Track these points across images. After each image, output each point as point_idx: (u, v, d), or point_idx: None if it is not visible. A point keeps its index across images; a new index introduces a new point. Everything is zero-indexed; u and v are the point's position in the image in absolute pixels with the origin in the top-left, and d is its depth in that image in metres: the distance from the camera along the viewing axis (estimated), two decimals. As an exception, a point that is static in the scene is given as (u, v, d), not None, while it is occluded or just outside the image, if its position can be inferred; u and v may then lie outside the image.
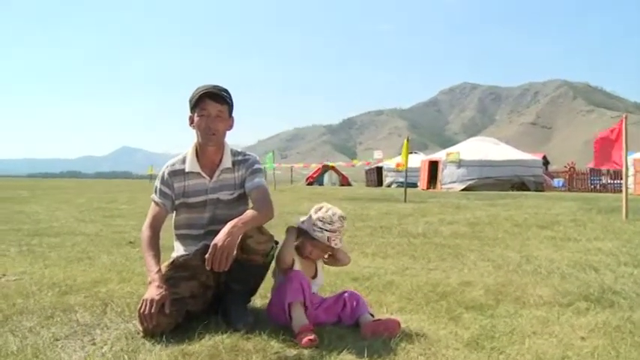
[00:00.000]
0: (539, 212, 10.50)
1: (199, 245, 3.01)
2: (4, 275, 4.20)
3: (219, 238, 2.59)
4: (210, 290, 2.97)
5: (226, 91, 2.99)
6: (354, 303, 2.84)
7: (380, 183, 42.66)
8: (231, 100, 3.01)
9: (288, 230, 2.99)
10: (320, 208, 2.89)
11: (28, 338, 2.65)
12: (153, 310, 2.59)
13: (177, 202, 3.07)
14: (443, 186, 28.81)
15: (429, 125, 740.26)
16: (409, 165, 36.49)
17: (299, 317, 2.64)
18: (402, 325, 2.72)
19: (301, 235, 2.93)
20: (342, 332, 2.69)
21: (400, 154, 52.13)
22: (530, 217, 9.45)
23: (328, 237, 2.84)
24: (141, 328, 2.67)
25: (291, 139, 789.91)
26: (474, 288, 3.73)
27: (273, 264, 2.97)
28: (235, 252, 2.70)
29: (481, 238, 6.60)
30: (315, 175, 47.75)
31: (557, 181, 35.90)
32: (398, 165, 32.74)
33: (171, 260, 3.05)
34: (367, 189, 31.31)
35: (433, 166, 30.79)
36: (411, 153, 50.34)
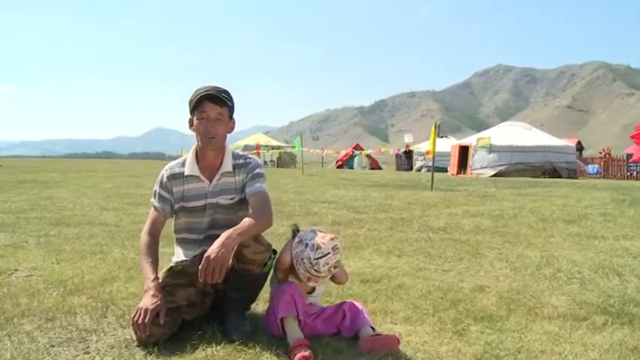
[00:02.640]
0: (568, 204, 10.20)
1: (198, 251, 2.94)
2: (15, 271, 4.22)
3: (212, 250, 2.51)
4: (208, 297, 2.91)
5: (227, 92, 2.89)
6: (354, 314, 2.73)
7: (410, 167, 42.30)
8: (232, 101, 2.91)
9: (292, 232, 2.86)
10: (318, 247, 2.59)
11: (23, 344, 2.63)
12: (146, 320, 2.54)
13: (176, 206, 3.00)
14: (473, 171, 28.35)
15: (462, 108, 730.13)
16: (440, 149, 36.19)
17: (292, 331, 2.55)
18: (403, 340, 2.62)
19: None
20: (340, 345, 2.60)
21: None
22: (558, 209, 9.19)
23: (309, 277, 2.63)
24: (135, 337, 2.63)
25: (323, 120, 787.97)
26: (487, 294, 3.59)
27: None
28: (231, 262, 2.62)
29: (503, 234, 6.41)
30: (344, 159, 47.65)
31: (592, 168, 34.98)
32: (427, 153, 32.31)
33: (169, 267, 2.99)
34: (396, 174, 31.02)
35: (463, 151, 30.29)
36: (442, 137, 49.89)
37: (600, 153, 37.21)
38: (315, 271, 2.59)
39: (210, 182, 2.96)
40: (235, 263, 2.68)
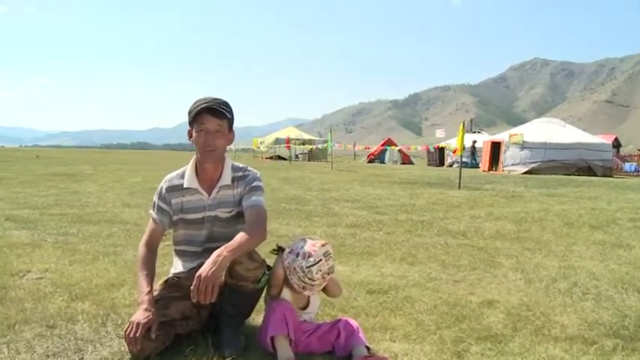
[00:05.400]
0: (597, 207, 9.91)
1: (195, 263, 2.92)
2: (28, 272, 4.28)
3: (204, 269, 2.48)
4: (204, 310, 2.87)
5: (226, 104, 2.85)
6: (349, 333, 2.67)
7: (442, 162, 41.83)
8: (232, 113, 2.87)
9: (278, 248, 2.82)
10: (310, 255, 2.57)
11: (20, 354, 2.65)
12: (138, 335, 2.53)
13: (175, 217, 2.98)
14: (505, 168, 27.88)
15: (497, 102, 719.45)
16: (472, 145, 35.55)
17: (283, 350, 2.50)
18: (397, 362, 2.55)
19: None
20: (333, 365, 2.55)
21: (467, 131, 50.92)
22: (586, 213, 8.93)
23: (304, 287, 2.61)
24: (128, 350, 2.62)
25: (357, 113, 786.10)
26: (495, 310, 3.48)
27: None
28: (223, 278, 2.59)
29: (524, 240, 6.24)
30: (376, 153, 47.45)
31: (630, 166, 34.09)
32: (454, 152, 31.84)
33: (165, 279, 2.98)
34: (426, 169, 30.71)
35: (495, 147, 29.80)
36: (475, 132, 49.20)
37: (639, 150, 36.23)
38: (309, 279, 2.57)
39: (209, 195, 2.93)
40: (228, 279, 2.65)
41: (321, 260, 2.57)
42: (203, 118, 2.78)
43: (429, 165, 42.32)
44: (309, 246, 2.61)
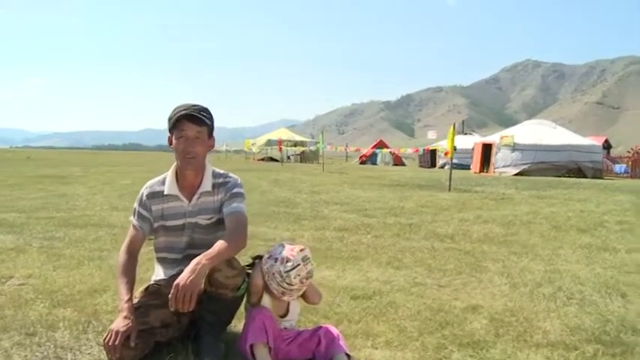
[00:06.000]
0: (586, 209, 9.95)
1: (176, 270, 2.90)
2: (10, 278, 4.25)
3: (182, 277, 2.46)
4: (185, 317, 2.85)
5: (206, 110, 2.84)
6: (330, 341, 2.66)
7: (433, 164, 41.96)
8: (211, 120, 2.86)
9: (255, 258, 2.81)
10: (288, 260, 2.57)
11: (-3, 363, 2.62)
12: (117, 343, 2.50)
13: (155, 224, 2.96)
14: (496, 170, 27.98)
15: (489, 103, 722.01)
16: (463, 146, 35.75)
17: (262, 359, 2.49)
18: (378, 370, 2.54)
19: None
20: (313, 373, 2.54)
21: (459, 132, 51.11)
22: (574, 215, 8.97)
23: (283, 292, 2.60)
24: (107, 358, 2.60)
25: (349, 114, 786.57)
26: (478, 316, 3.48)
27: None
28: (203, 286, 2.58)
29: (511, 243, 6.25)
30: (368, 154, 47.55)
31: (620, 167, 34.26)
32: (446, 153, 31.89)
33: (146, 286, 2.96)
34: (417, 171, 30.78)
35: (486, 148, 29.91)
36: (467, 134, 49.36)
37: (628, 152, 36.41)
38: (288, 284, 2.58)
39: (190, 202, 2.92)
40: (207, 286, 2.64)
41: (299, 265, 2.57)
42: (182, 124, 2.77)
43: (420, 166, 42.47)
44: (287, 251, 2.61)
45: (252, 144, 48.26)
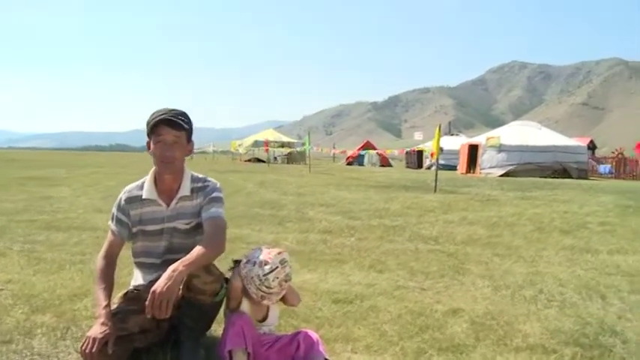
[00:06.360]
0: (570, 210, 10.02)
1: (154, 275, 2.87)
2: (-12, 283, 4.19)
3: (158, 284, 2.44)
4: (165, 322, 2.83)
5: (184, 114, 2.82)
6: (309, 345, 2.65)
7: (420, 165, 42.11)
8: (190, 124, 2.84)
9: (234, 262, 2.79)
10: (266, 263, 2.57)
11: (-28, 372, 2.59)
12: (94, 350, 2.47)
13: (134, 229, 2.94)
14: (482, 171, 28.13)
15: (475, 104, 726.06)
16: (450, 147, 35.88)
17: (241, 366, 2.48)
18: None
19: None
20: (292, 379, 2.53)
21: (446, 133, 51.09)
22: (558, 217, 9.02)
23: (262, 296, 2.60)
24: (84, 365, 2.57)
25: (336, 115, 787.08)
26: (460, 319, 3.49)
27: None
28: (181, 292, 2.56)
29: (495, 245, 6.28)
30: (354, 155, 47.60)
31: (604, 167, 34.57)
32: (432, 155, 32.03)
33: (124, 291, 2.93)
34: (404, 172, 30.85)
35: (473, 150, 30.07)
36: (453, 135, 49.60)
37: (613, 153, 36.77)
38: (266, 287, 2.57)
39: (168, 206, 2.90)
40: (186, 292, 2.62)
41: (277, 268, 2.57)
42: (160, 129, 2.75)
43: (407, 167, 42.57)
44: (265, 254, 2.61)
45: (239, 145, 48.11)
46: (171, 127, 2.75)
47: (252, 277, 2.58)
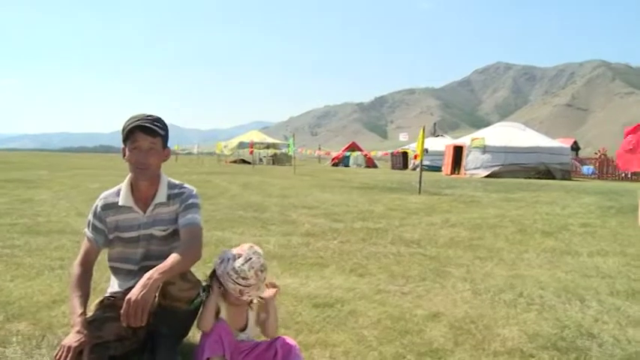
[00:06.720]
0: (552, 212, 10.12)
1: (132, 282, 2.84)
2: (-36, 290, 4.13)
3: (133, 293, 2.42)
4: (141, 330, 2.81)
5: (159, 120, 2.80)
6: (286, 352, 2.64)
7: (405, 166, 42.24)
8: (166, 130, 2.82)
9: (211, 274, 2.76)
10: (239, 256, 2.59)
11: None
12: (69, 359, 2.45)
13: (111, 236, 2.92)
14: (466, 172, 28.30)
15: (461, 105, 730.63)
16: (435, 148, 36.02)
17: (218, 374, 2.46)
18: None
19: (215, 278, 2.69)
20: (269, 387, 2.51)
21: (431, 134, 51.27)
22: (540, 218, 9.11)
23: (240, 290, 2.60)
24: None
25: (322, 116, 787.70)
26: (439, 324, 3.50)
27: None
28: (157, 299, 2.55)
29: (477, 248, 6.31)
30: (340, 157, 47.65)
31: (587, 168, 34.93)
32: (415, 157, 32.14)
33: (101, 298, 2.90)
34: (389, 173, 30.91)
35: (457, 151, 30.24)
36: (438, 136, 49.81)
37: (596, 154, 37.15)
38: (243, 278, 2.57)
39: (144, 213, 2.87)
40: (161, 299, 2.60)
41: (251, 258, 2.59)
42: (136, 136, 2.73)
43: (393, 168, 42.68)
44: (237, 250, 2.65)
45: (224, 146, 47.95)
46: (146, 134, 2.73)
47: (227, 273, 2.58)
